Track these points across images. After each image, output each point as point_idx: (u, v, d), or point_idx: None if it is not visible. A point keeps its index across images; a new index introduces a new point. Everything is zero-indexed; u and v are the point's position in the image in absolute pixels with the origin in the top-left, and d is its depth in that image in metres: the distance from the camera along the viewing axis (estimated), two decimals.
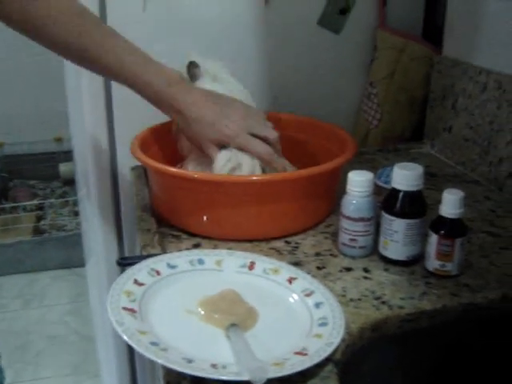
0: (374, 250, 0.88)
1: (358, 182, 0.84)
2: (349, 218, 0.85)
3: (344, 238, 0.87)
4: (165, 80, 0.91)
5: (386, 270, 0.84)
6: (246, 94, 1.02)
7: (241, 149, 0.92)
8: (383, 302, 0.77)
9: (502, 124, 1.08)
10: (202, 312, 0.72)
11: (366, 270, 0.84)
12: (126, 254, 1.35)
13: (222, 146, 0.92)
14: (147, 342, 0.63)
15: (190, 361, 0.62)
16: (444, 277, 0.82)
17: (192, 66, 1.01)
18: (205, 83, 1.00)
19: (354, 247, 0.87)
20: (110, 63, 0.90)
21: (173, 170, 0.91)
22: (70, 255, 2.77)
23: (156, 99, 0.92)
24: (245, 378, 0.59)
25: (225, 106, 0.93)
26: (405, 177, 0.82)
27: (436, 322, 0.77)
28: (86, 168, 1.33)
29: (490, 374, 0.84)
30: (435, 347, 0.81)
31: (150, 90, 0.91)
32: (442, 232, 0.80)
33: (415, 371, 0.82)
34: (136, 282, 0.75)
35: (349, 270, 0.85)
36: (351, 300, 0.77)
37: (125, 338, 0.63)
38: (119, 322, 0.66)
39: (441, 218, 0.80)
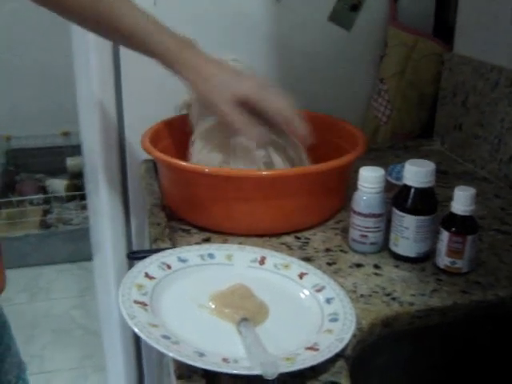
0: (384, 247, 0.87)
1: (370, 178, 0.84)
2: (359, 213, 0.85)
3: (354, 234, 0.87)
4: (179, 43, 0.92)
5: (396, 266, 0.84)
6: None
7: (259, 102, 0.90)
8: (394, 299, 0.77)
9: None
10: (213, 306, 0.72)
11: (376, 267, 0.84)
12: (134, 248, 1.35)
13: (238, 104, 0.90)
14: (158, 335, 0.63)
15: (201, 354, 0.62)
16: (454, 274, 0.82)
17: None
18: None
19: (365, 243, 0.86)
20: (123, 26, 0.91)
21: (183, 164, 0.91)
22: (77, 249, 2.78)
23: (171, 60, 0.92)
24: (256, 372, 0.59)
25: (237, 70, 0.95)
26: (416, 173, 0.81)
27: (447, 319, 0.77)
28: (94, 162, 1.33)
29: (501, 372, 0.84)
30: (446, 344, 0.81)
31: (164, 51, 0.91)
32: (454, 229, 0.80)
33: (426, 368, 0.82)
34: (147, 275, 0.75)
35: (359, 266, 0.84)
36: (362, 296, 0.77)
37: (136, 330, 0.63)
38: (131, 315, 0.66)
39: (452, 214, 0.80)
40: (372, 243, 0.86)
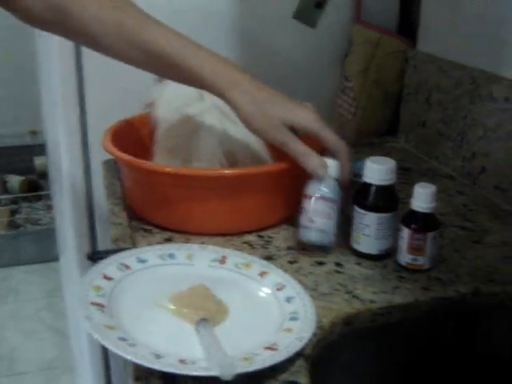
0: (342, 243, 0.86)
1: (324, 164, 0.83)
2: (307, 196, 0.83)
3: (302, 219, 0.84)
4: (221, 62, 0.86)
5: (358, 264, 0.84)
6: None
7: (314, 134, 0.85)
8: (355, 296, 0.77)
9: (475, 119, 1.08)
10: (172, 307, 0.71)
11: (338, 264, 0.84)
12: (99, 249, 1.34)
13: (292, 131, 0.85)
14: (115, 338, 0.63)
15: (158, 356, 0.61)
16: (416, 271, 0.82)
17: None
18: None
19: (311, 228, 0.83)
20: (156, 47, 0.85)
21: (144, 163, 0.90)
22: (45, 249, 2.75)
23: (213, 79, 0.85)
24: (213, 373, 0.59)
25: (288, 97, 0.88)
26: (377, 171, 0.81)
27: (409, 317, 0.77)
28: (58, 161, 1.32)
29: (462, 368, 0.84)
30: (409, 342, 0.81)
31: (205, 70, 0.85)
32: (414, 226, 0.80)
33: (389, 365, 0.82)
34: (105, 276, 0.74)
35: (321, 264, 0.84)
36: (323, 294, 0.77)
37: (92, 332, 0.62)
38: (88, 317, 0.65)
39: (412, 212, 0.80)
40: (319, 230, 0.83)
